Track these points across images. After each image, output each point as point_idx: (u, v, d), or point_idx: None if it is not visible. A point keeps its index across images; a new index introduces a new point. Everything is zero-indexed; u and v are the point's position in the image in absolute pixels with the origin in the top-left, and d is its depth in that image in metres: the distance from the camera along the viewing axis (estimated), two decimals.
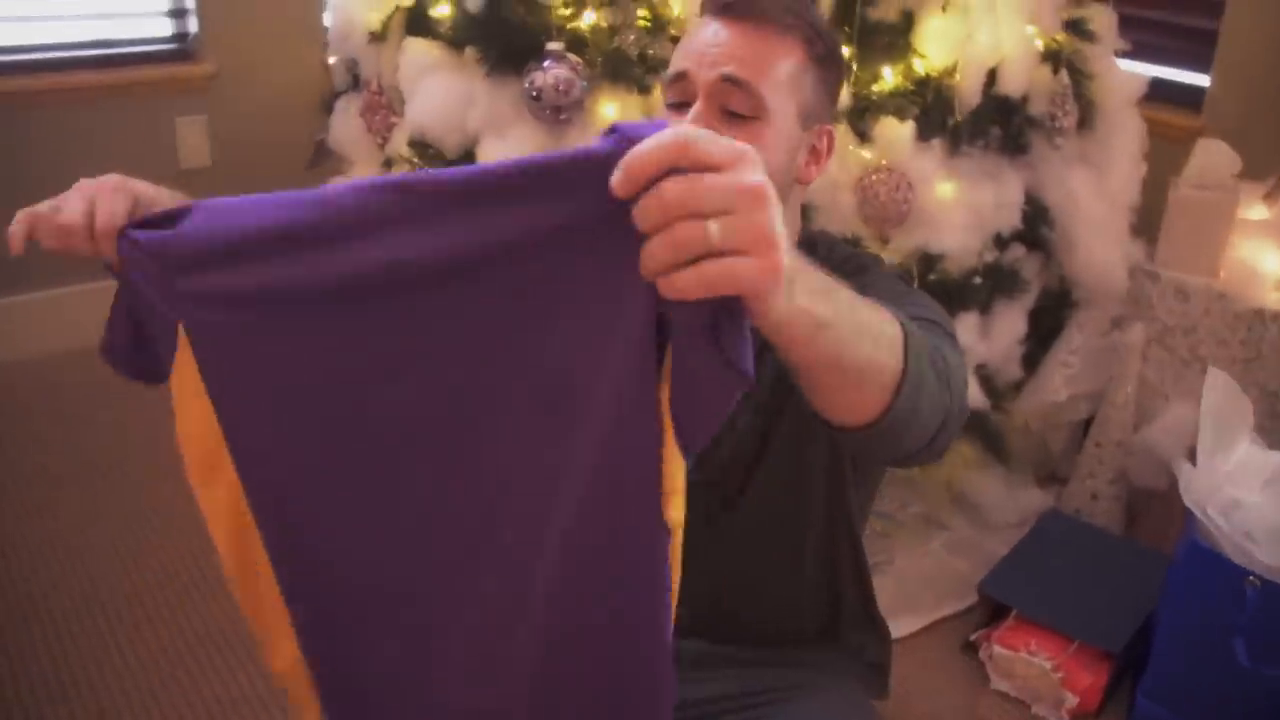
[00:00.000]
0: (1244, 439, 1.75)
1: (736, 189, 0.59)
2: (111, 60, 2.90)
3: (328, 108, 2.44)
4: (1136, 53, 2.38)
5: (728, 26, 1.06)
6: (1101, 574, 2.03)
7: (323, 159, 2.52)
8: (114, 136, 2.90)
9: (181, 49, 3.00)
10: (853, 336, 0.76)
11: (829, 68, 1.11)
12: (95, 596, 2.08)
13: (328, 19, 3.04)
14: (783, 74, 1.06)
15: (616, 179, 0.61)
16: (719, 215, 0.59)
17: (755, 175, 0.61)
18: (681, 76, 1.07)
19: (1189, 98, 2.69)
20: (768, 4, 1.06)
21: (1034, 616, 1.93)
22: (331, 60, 2.42)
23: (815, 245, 1.20)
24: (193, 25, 2.97)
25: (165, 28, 2.99)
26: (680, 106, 1.08)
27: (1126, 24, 2.31)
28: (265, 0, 3.01)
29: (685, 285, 0.60)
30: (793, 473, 1.16)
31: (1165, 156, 2.36)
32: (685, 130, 0.61)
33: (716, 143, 0.60)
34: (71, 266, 2.88)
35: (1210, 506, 1.67)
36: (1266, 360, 2.07)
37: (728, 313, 0.63)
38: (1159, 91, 2.42)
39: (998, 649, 1.91)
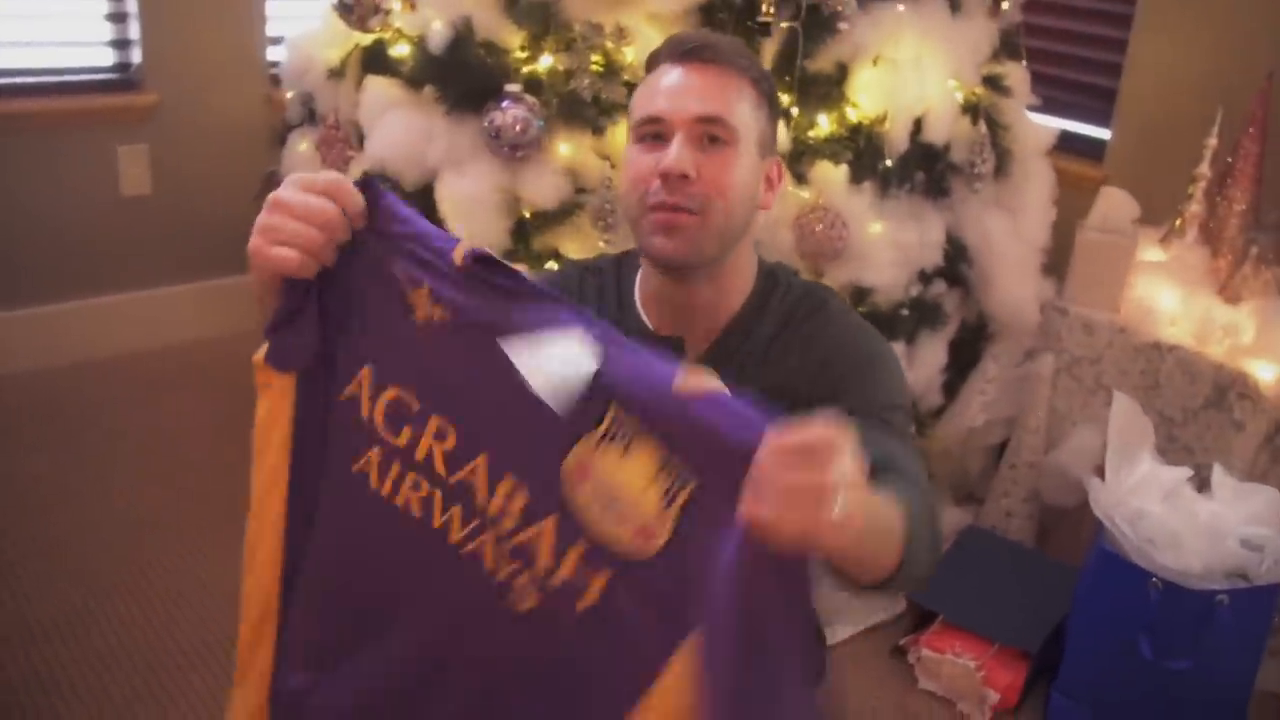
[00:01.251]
0: (1146, 456, 1.92)
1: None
2: (54, 88, 2.92)
3: (280, 140, 2.51)
4: (1045, 107, 2.58)
5: (691, 71, 1.19)
6: (1018, 583, 2.19)
7: (271, 190, 2.58)
8: (56, 163, 2.92)
9: (124, 79, 3.03)
10: (872, 539, 0.93)
11: (773, 106, 1.25)
12: (89, 606, 2.11)
13: (271, 54, 3.13)
14: (744, 108, 1.19)
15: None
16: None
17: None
18: (656, 120, 1.19)
19: (1092, 149, 2.92)
20: (724, 50, 1.20)
21: (958, 622, 2.07)
22: (288, 95, 2.49)
23: (776, 276, 1.30)
24: (136, 56, 3.00)
25: (108, 57, 3.01)
26: (653, 140, 1.19)
27: (1037, 80, 2.52)
28: (207, 34, 3.06)
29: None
30: None
31: (1071, 203, 2.56)
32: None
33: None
34: (66, 281, 2.89)
35: (1117, 516, 1.84)
36: (1163, 389, 2.26)
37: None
38: (1065, 143, 2.62)
39: (925, 652, 2.05)
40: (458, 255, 0.95)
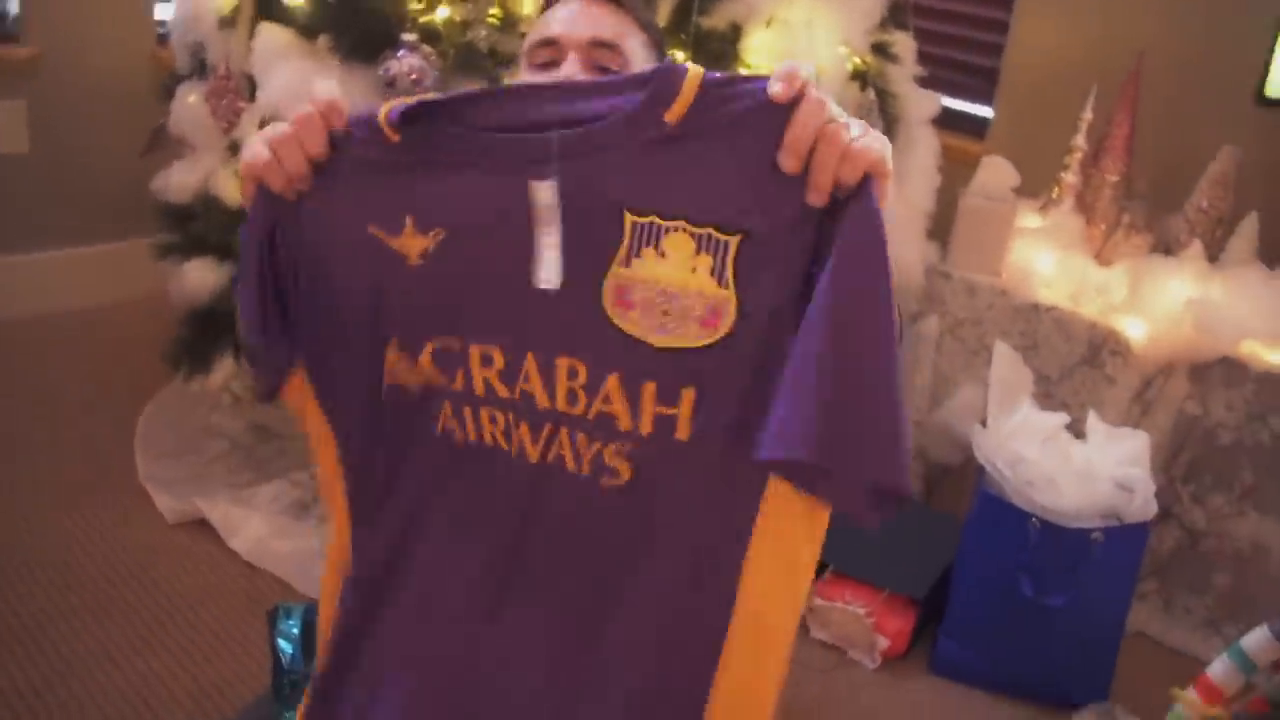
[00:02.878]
0: (1025, 403, 2.00)
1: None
2: None
3: (168, 93, 2.44)
4: (930, 84, 2.65)
5: (587, 5, 1.21)
6: (905, 535, 2.24)
7: (159, 145, 2.51)
8: None
9: (0, 31, 2.91)
10: None
11: (657, 49, 1.27)
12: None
13: (158, 10, 3.04)
14: (635, 44, 1.22)
15: (777, 87, 0.82)
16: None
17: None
18: (551, 42, 1.20)
19: (975, 126, 3.02)
20: None
21: (848, 571, 2.13)
22: (176, 43, 2.42)
23: None
24: (13, 6, 2.88)
25: None
26: (546, 66, 1.20)
27: (922, 59, 2.59)
28: None
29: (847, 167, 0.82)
30: None
31: (953, 176, 2.65)
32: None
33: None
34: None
35: (998, 460, 1.91)
36: (1041, 348, 2.36)
37: None
38: (949, 120, 2.71)
39: (817, 600, 2.10)
40: (386, 130, 0.91)
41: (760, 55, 2.12)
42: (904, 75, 2.48)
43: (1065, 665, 1.97)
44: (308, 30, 2.08)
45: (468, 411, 0.94)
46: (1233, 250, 2.35)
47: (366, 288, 0.94)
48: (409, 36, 1.98)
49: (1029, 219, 2.57)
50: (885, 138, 0.85)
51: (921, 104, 2.52)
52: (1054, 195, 2.60)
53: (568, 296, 0.89)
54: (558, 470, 0.92)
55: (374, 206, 0.93)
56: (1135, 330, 2.26)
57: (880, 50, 2.41)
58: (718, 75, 0.86)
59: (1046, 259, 2.43)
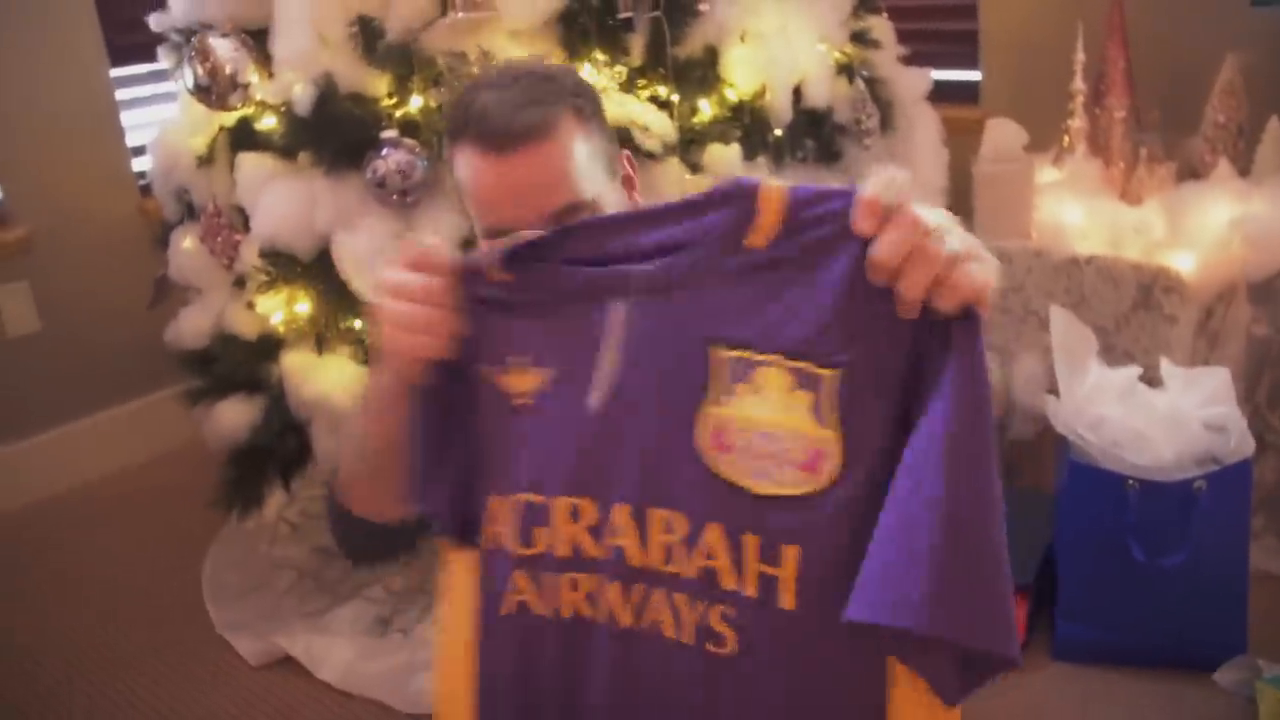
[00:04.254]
0: (1093, 363, 1.92)
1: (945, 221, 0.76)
2: None
3: (162, 243, 2.42)
4: (913, 60, 2.60)
5: (513, 162, 1.05)
6: None
7: (164, 295, 2.49)
8: None
9: None
10: None
11: (596, 110, 1.13)
12: None
13: (136, 165, 3.04)
14: (580, 160, 1.07)
15: (863, 223, 0.76)
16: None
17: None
18: (505, 231, 1.05)
19: (967, 92, 2.96)
20: (530, 117, 1.05)
21: None
22: (161, 195, 2.40)
23: None
24: None
25: None
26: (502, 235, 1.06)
27: (900, 37, 2.54)
28: (68, 157, 2.94)
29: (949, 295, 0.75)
30: None
31: (957, 146, 2.58)
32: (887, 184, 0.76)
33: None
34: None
35: (1079, 426, 1.83)
36: (1090, 301, 2.28)
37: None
38: (940, 92, 2.64)
39: None
40: (493, 272, 0.88)
41: (742, 72, 2.08)
42: (888, 58, 2.43)
43: (1195, 625, 1.87)
44: (286, 151, 2.06)
45: (546, 580, 0.86)
46: (1262, 160, 2.27)
47: (480, 431, 0.90)
48: (389, 133, 1.95)
49: (1045, 173, 2.49)
50: (993, 260, 0.78)
51: (912, 82, 2.46)
52: (1064, 144, 2.52)
53: (660, 439, 0.82)
54: (654, 636, 0.83)
55: (482, 344, 0.89)
56: (1184, 263, 2.18)
57: (859, 38, 2.37)
58: (800, 192, 0.81)
59: (1074, 210, 2.36)
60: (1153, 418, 1.83)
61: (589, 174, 1.09)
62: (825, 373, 0.78)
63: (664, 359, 0.82)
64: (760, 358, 0.79)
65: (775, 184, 0.81)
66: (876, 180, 0.76)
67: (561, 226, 0.90)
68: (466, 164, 1.09)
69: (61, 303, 2.97)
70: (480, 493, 0.90)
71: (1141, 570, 1.82)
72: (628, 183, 1.19)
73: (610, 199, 1.12)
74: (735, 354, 0.80)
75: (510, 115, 1.05)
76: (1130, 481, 1.79)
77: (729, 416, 0.80)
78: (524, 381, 0.87)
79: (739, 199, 0.81)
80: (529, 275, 0.88)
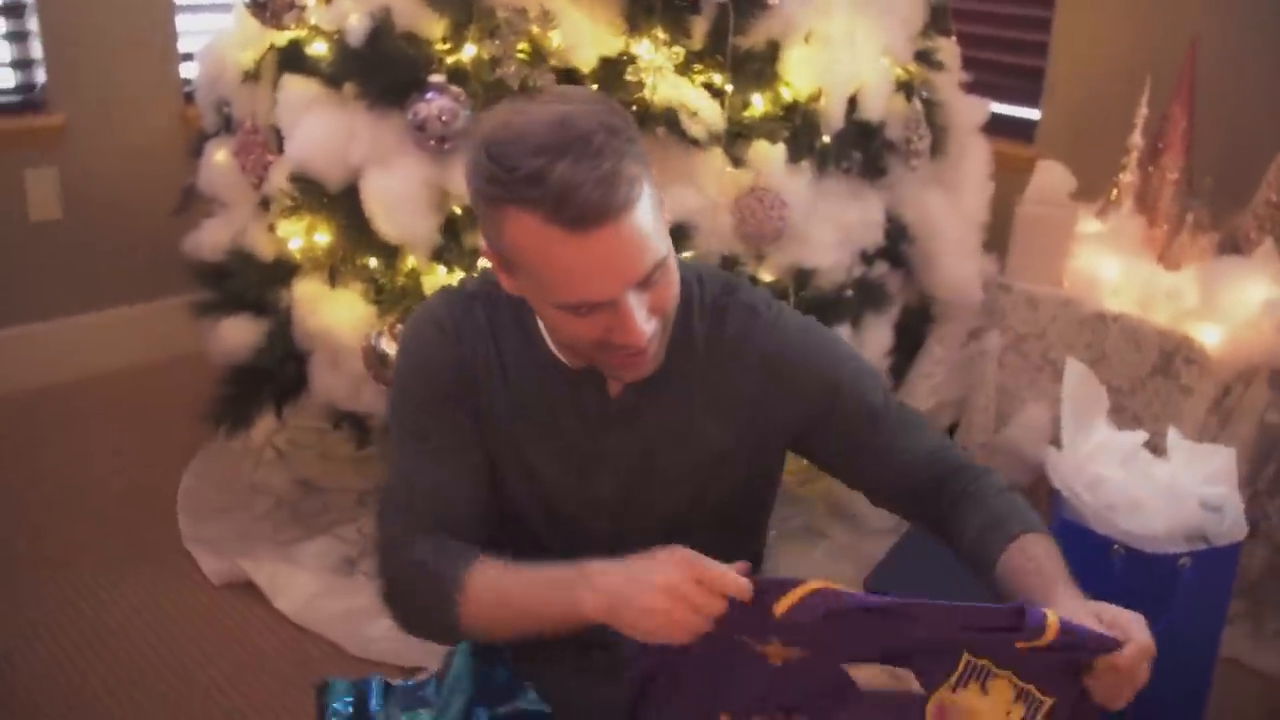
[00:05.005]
0: (1101, 422, 1.89)
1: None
2: None
3: (196, 152, 2.41)
4: (974, 90, 2.56)
5: (601, 239, 0.98)
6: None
7: (190, 204, 2.48)
8: None
9: (28, 100, 2.90)
10: None
11: (641, 146, 1.03)
12: (15, 645, 1.97)
13: (184, 71, 3.02)
14: (655, 216, 1.03)
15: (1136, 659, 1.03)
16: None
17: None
18: (596, 304, 1.01)
19: (1023, 130, 2.92)
20: (608, 192, 0.97)
21: None
22: (201, 102, 2.38)
23: (689, 289, 1.16)
24: (40, 76, 2.88)
25: (9, 79, 2.88)
26: (593, 307, 1.02)
27: (964, 63, 2.50)
28: (115, 52, 2.94)
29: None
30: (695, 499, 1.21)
31: (1005, 184, 2.55)
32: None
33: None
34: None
35: (1076, 484, 1.79)
36: (1110, 359, 2.25)
37: None
38: (996, 125, 2.60)
39: None
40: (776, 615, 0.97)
41: (801, 72, 2.05)
42: (950, 82, 2.40)
43: (1156, 697, 1.84)
44: (332, 79, 2.04)
45: None
46: None
47: (721, 665, 1.01)
48: (436, 78, 1.93)
49: (1088, 224, 2.46)
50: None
51: (970, 111, 2.43)
52: (1112, 197, 2.48)
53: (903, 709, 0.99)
54: None
55: (743, 626, 0.98)
56: (1210, 336, 2.14)
57: (924, 58, 2.34)
58: (1073, 628, 0.97)
59: (1110, 265, 2.32)
60: (1151, 487, 1.79)
61: (659, 228, 1.04)
62: (1044, 699, 0.98)
63: (929, 648, 0.99)
64: (997, 670, 0.98)
65: (1054, 617, 0.96)
66: (1147, 636, 1.03)
67: (878, 604, 0.97)
68: (535, 234, 0.99)
69: (86, 195, 2.96)
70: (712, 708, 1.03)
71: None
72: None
73: (670, 246, 1.07)
74: (980, 661, 0.98)
75: (587, 197, 0.96)
76: (1117, 547, 1.76)
77: (957, 703, 0.98)
78: (786, 652, 1.00)
79: (1027, 630, 0.95)
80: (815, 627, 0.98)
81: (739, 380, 1.17)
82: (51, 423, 2.79)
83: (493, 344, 1.16)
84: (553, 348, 1.16)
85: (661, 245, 1.03)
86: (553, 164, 0.96)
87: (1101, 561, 1.77)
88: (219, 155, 2.31)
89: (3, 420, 2.78)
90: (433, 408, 1.16)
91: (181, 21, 3.06)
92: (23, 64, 2.88)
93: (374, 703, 1.22)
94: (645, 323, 1.03)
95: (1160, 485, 1.80)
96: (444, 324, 1.17)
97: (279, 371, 2.19)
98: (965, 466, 1.21)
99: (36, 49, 2.85)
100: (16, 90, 2.89)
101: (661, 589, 0.94)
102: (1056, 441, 1.99)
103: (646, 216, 1.01)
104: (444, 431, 1.16)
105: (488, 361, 1.16)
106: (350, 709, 1.32)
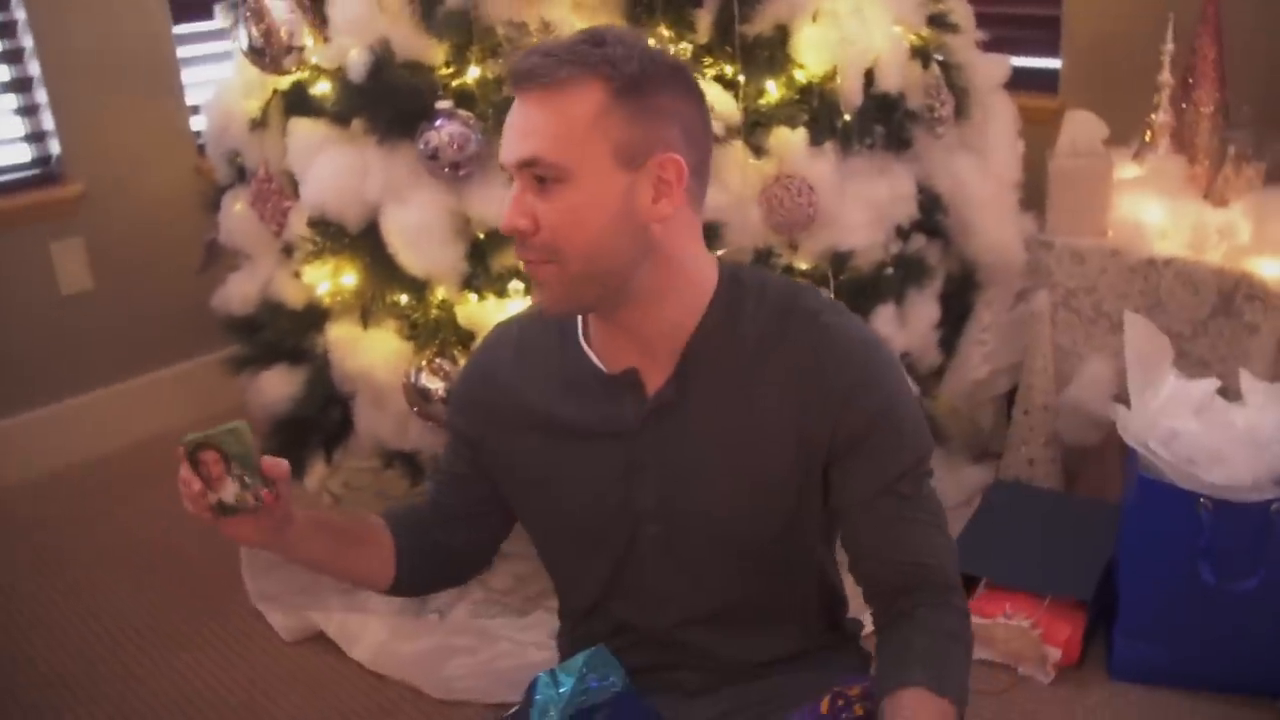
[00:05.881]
0: (1169, 373, 1.82)
1: None
2: None
3: (214, 206, 2.39)
4: (991, 46, 2.49)
5: (524, 101, 1.05)
6: (1057, 531, 2.08)
7: (214, 259, 2.47)
8: None
9: (46, 172, 2.91)
10: None
11: (641, 95, 1.04)
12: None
13: (195, 124, 3.02)
14: (578, 128, 1.02)
15: None
16: None
17: None
18: (504, 168, 1.09)
19: (1045, 81, 2.84)
20: (551, 62, 1.02)
21: (1003, 582, 1.97)
22: (211, 155, 2.37)
23: (742, 282, 1.15)
24: (54, 147, 2.89)
25: (25, 154, 2.89)
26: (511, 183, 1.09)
27: (978, 21, 2.43)
28: (126, 114, 2.93)
29: None
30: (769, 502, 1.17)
31: (1033, 138, 2.47)
32: None
33: None
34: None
35: (1151, 440, 1.74)
36: (1166, 305, 2.18)
37: None
38: (1016, 79, 2.52)
39: (975, 619, 1.93)
40: None
41: (813, 53, 1.99)
42: (966, 43, 2.33)
43: (1264, 651, 1.78)
44: (339, 118, 2.02)
45: None
46: None
47: None
48: (444, 104, 1.90)
49: (1125, 169, 2.38)
50: None
51: (990, 69, 2.36)
52: (1147, 139, 2.41)
53: None
54: None
55: None
56: (1269, 269, 2.07)
57: (937, 21, 2.26)
58: None
59: (1154, 209, 2.25)
60: (1230, 434, 1.73)
61: (578, 144, 1.02)
62: None
63: None
64: None
65: None
66: None
67: None
68: None
69: (115, 261, 2.96)
70: None
71: (1210, 592, 1.74)
72: (662, 187, 1.06)
73: (600, 187, 1.04)
74: None
75: (530, 62, 1.04)
76: (1203, 500, 1.70)
77: None
78: None
79: None
80: None
81: (790, 390, 1.11)
82: (104, 494, 2.79)
83: (517, 370, 1.21)
84: (590, 353, 1.16)
85: (566, 159, 1.03)
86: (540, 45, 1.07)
87: (1188, 516, 1.72)
88: (236, 206, 2.29)
89: (55, 497, 2.79)
90: (450, 424, 1.31)
91: (188, 74, 3.06)
92: (36, 137, 2.89)
93: None
94: (517, 215, 1.05)
95: (1240, 432, 1.74)
96: (473, 362, 1.29)
97: (323, 417, 2.17)
98: (936, 589, 1.13)
99: (48, 120, 2.85)
100: (33, 164, 2.89)
101: None
102: (1122, 397, 1.93)
103: (566, 117, 1.03)
104: (451, 445, 1.30)
105: (513, 387, 1.21)
106: None
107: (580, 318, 1.17)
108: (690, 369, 1.12)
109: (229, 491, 1.07)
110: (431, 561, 1.27)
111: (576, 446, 1.17)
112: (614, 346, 1.15)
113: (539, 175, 1.04)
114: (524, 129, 1.05)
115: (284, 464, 1.07)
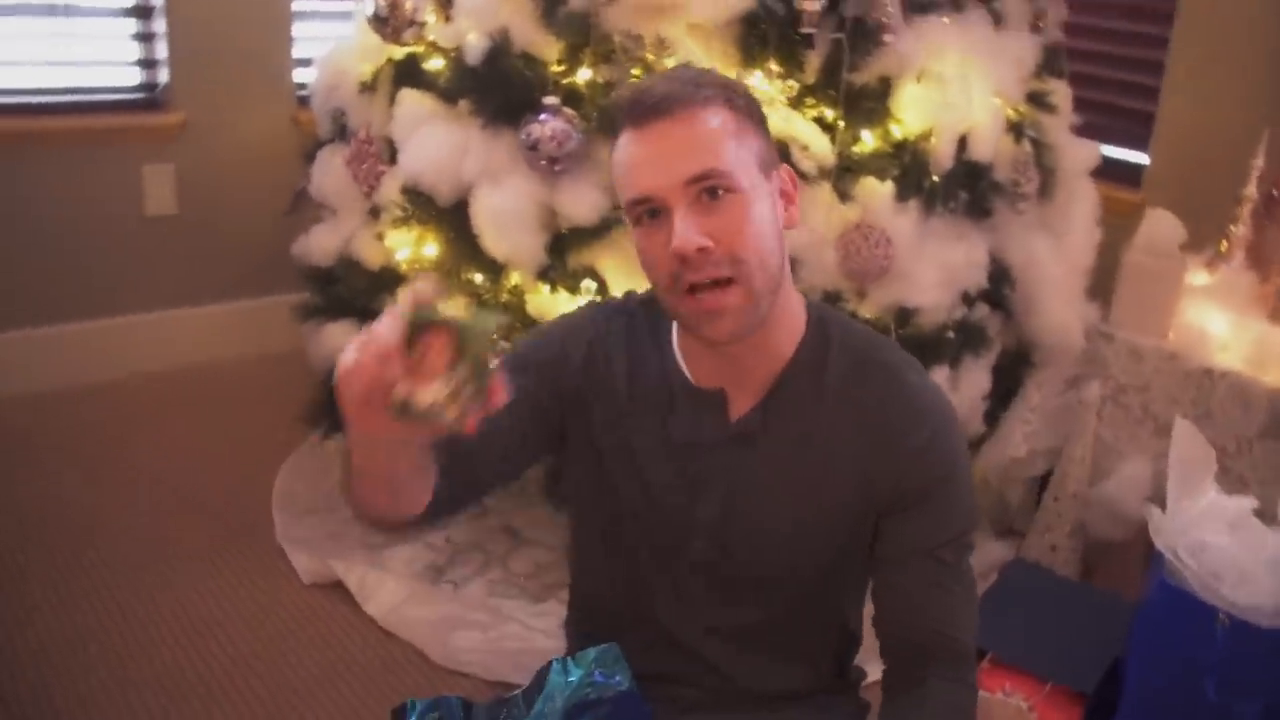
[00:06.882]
0: (1209, 485, 1.84)
1: None
2: (81, 107, 2.89)
3: (310, 157, 2.47)
4: (1082, 131, 2.52)
5: (656, 132, 1.07)
6: (1069, 619, 2.10)
7: (300, 207, 2.54)
8: (81, 182, 2.89)
9: (150, 98, 3.00)
10: None
11: (754, 113, 1.12)
12: (104, 627, 2.04)
13: (298, 76, 3.11)
14: (730, 141, 1.07)
15: None
16: None
17: None
18: (645, 200, 1.08)
19: (1129, 174, 2.86)
20: (678, 90, 1.07)
21: (1008, 660, 1.98)
22: (317, 112, 2.44)
23: (826, 324, 1.19)
24: (163, 76, 2.98)
25: (135, 77, 2.99)
26: (650, 220, 1.08)
27: (1075, 105, 2.46)
28: (234, 54, 3.03)
29: None
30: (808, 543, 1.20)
31: (1108, 227, 2.49)
32: None
33: None
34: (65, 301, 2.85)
35: (1180, 548, 1.75)
36: (1215, 418, 2.19)
37: None
38: (1102, 167, 2.55)
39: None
40: None
41: (913, 110, 2.03)
42: (1060, 125, 2.36)
43: None
44: (448, 96, 2.08)
45: None
46: None
47: None
48: (551, 100, 1.95)
49: (1196, 276, 2.40)
50: None
51: (1079, 154, 2.39)
52: (1222, 249, 2.42)
53: None
54: None
55: None
56: None
57: (1036, 99, 2.30)
58: None
59: (1218, 320, 2.27)
60: (1260, 556, 1.74)
61: (733, 155, 1.08)
62: None
63: None
64: None
65: None
66: None
67: None
68: (620, 148, 1.11)
69: (201, 192, 3.05)
70: None
71: (1212, 709, 1.74)
72: (786, 197, 1.15)
73: (759, 194, 1.10)
74: None
75: (658, 93, 1.08)
76: (1222, 617, 1.71)
77: None
78: None
79: None
80: None
81: (861, 438, 1.15)
82: (153, 411, 2.88)
83: (625, 354, 1.21)
84: (681, 363, 1.19)
85: (733, 168, 1.06)
86: (630, 89, 1.11)
87: (1204, 630, 1.73)
88: (332, 162, 2.36)
89: (107, 405, 2.88)
90: (520, 363, 1.18)
91: (298, 28, 3.14)
92: (148, 64, 2.98)
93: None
94: (696, 235, 1.04)
95: (1270, 555, 1.75)
96: (580, 327, 1.24)
97: None
98: (953, 661, 1.15)
99: (161, 49, 2.95)
100: (140, 88, 3.00)
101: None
102: (1155, 499, 1.95)
103: (717, 135, 1.07)
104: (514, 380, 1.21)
105: (614, 370, 1.20)
106: None
107: (675, 325, 1.20)
108: (776, 401, 1.16)
109: (431, 394, 0.81)
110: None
111: (650, 445, 1.20)
112: (706, 363, 1.18)
113: (711, 188, 1.06)
114: (683, 149, 1.06)
115: (506, 394, 0.87)
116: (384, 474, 1.01)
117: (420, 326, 0.80)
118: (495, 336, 0.81)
